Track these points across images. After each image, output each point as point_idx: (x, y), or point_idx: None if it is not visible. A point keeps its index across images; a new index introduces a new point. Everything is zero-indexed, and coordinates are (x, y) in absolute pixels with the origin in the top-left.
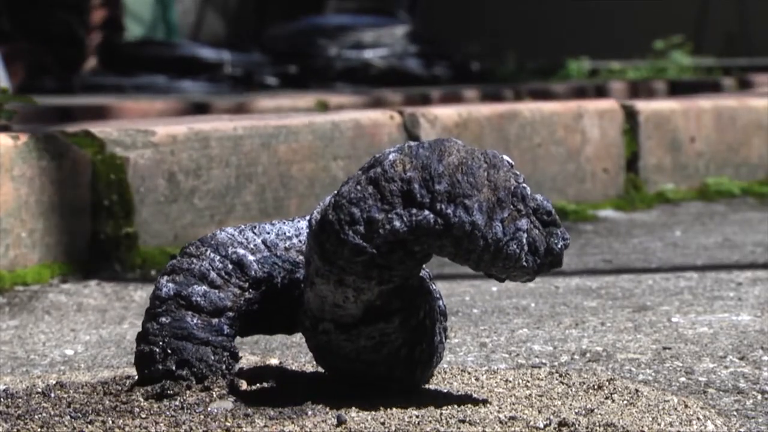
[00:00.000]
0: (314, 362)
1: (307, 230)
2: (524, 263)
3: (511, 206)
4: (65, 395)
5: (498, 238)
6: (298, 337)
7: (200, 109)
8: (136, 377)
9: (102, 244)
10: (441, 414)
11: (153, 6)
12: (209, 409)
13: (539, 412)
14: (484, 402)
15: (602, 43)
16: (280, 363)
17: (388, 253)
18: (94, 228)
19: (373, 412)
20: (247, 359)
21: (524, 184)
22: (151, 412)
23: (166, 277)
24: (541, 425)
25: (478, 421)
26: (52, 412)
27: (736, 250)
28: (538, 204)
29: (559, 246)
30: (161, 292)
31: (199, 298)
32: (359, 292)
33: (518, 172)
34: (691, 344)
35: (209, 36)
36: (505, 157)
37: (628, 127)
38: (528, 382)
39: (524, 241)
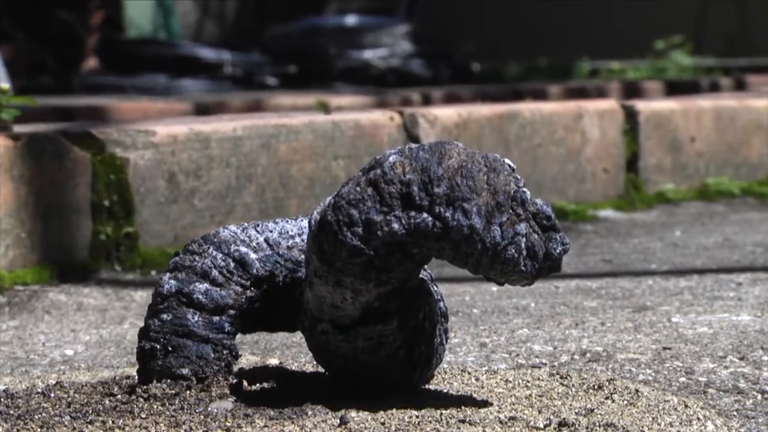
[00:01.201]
0: (314, 362)
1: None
2: (522, 268)
3: (511, 210)
4: (65, 395)
5: (496, 242)
6: (298, 337)
7: (209, 109)
8: (137, 377)
9: (102, 244)
10: (441, 414)
11: (154, 12)
12: (209, 409)
13: (539, 412)
14: (484, 402)
15: (602, 43)
16: (280, 363)
17: (386, 255)
18: (94, 228)
19: (373, 413)
20: (247, 359)
21: (524, 189)
22: (151, 412)
23: (168, 274)
24: (541, 425)
25: (478, 421)
26: (52, 412)
27: (736, 250)
28: (538, 208)
29: (558, 251)
30: (163, 289)
31: (200, 296)
32: (357, 293)
33: (518, 176)
34: (691, 344)
35: (209, 36)
36: (507, 161)
37: (628, 128)
38: (528, 382)
39: (523, 245)
